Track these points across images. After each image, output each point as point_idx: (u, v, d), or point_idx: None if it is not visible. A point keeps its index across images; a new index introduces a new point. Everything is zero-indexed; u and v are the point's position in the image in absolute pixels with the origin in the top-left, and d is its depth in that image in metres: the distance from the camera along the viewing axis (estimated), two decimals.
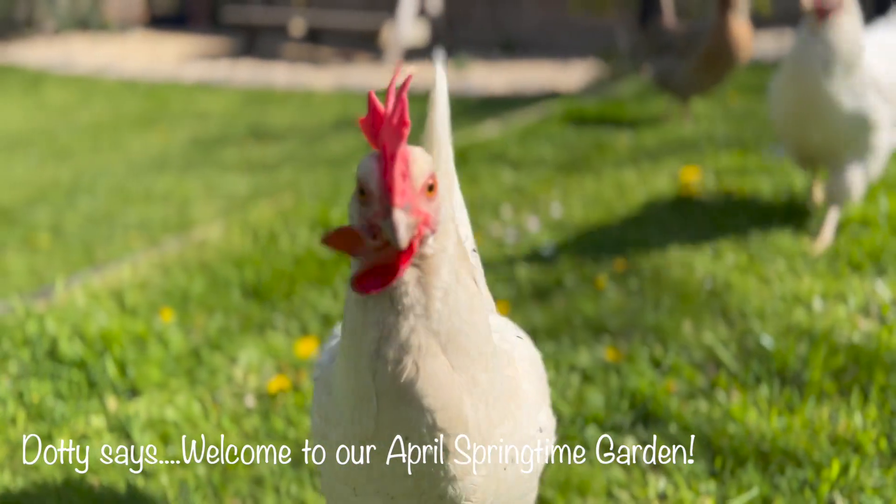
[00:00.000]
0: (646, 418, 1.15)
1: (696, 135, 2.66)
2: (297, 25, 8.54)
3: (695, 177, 2.10)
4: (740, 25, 2.81)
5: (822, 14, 1.52)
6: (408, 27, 7.94)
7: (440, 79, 0.80)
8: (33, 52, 8.29)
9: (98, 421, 1.25)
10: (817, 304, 1.40)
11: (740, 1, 2.82)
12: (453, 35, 8.80)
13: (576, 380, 1.26)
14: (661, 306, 1.46)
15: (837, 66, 1.52)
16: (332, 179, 3.01)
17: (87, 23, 9.77)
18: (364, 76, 7.49)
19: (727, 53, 2.83)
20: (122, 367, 1.37)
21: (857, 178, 1.57)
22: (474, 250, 0.82)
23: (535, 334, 1.42)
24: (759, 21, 6.19)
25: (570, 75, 6.32)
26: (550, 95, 5.93)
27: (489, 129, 3.08)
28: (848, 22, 1.53)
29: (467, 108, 5.99)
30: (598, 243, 1.77)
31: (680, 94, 2.98)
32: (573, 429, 1.14)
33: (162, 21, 11.40)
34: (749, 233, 1.72)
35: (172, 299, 1.65)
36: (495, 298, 1.59)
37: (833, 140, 1.56)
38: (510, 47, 8.45)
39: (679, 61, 2.97)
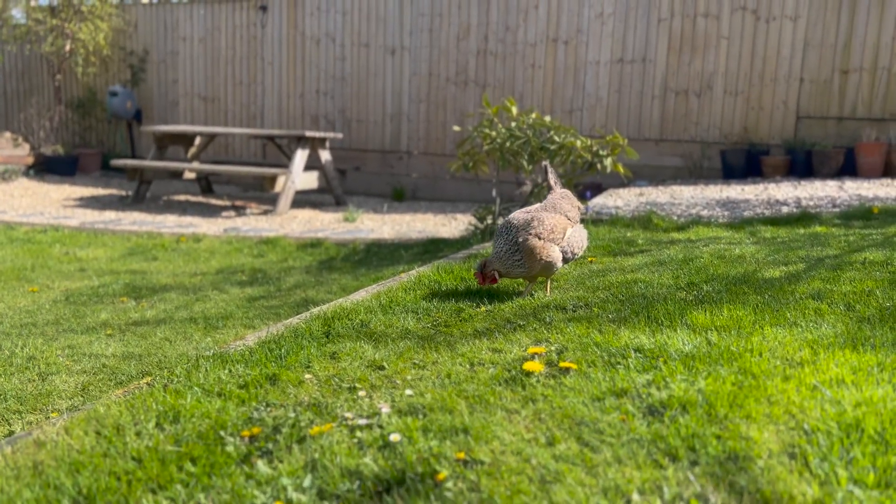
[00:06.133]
0: None
1: (549, 302, 2.83)
2: (190, 174, 8.63)
3: (539, 353, 2.22)
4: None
5: None
6: (300, 175, 8.17)
7: None
8: None
9: None
10: (636, 497, 1.49)
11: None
12: (344, 183, 9.09)
13: None
14: (495, 502, 1.50)
15: None
16: (197, 352, 2.96)
17: None
18: (255, 222, 7.57)
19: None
20: None
21: None
22: None
23: None
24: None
25: (453, 225, 6.62)
26: (433, 241, 6.16)
27: (358, 296, 3.16)
28: None
29: (353, 252, 6.10)
30: (443, 429, 1.82)
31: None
32: None
33: (51, 166, 11.27)
34: (582, 416, 1.82)
35: None
36: (337, 497, 1.60)
37: None
38: (400, 196, 8.79)
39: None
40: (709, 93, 8.89)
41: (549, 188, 3.27)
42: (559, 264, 2.93)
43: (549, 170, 3.29)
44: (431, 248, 5.85)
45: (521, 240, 2.84)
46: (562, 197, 3.09)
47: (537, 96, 9.45)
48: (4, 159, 10.30)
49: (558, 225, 2.90)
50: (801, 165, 8.25)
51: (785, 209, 5.96)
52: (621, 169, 5.22)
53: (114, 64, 11.64)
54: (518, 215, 2.96)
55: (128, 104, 11.07)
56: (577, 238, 3.02)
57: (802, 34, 8.44)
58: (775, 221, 5.25)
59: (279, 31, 10.51)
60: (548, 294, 3.00)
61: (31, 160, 10.71)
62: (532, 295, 2.99)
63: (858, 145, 8.06)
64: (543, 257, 2.84)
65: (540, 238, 2.84)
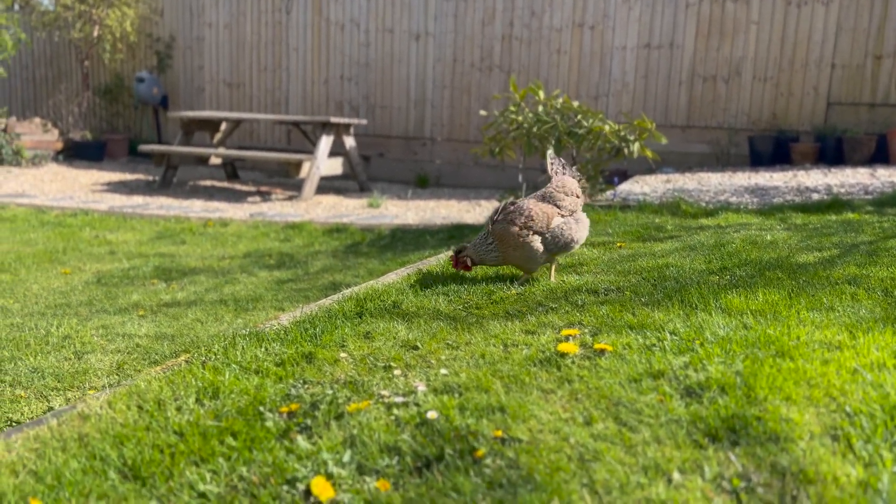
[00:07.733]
0: None
1: (581, 286, 2.82)
2: (216, 160, 8.69)
3: (573, 335, 2.22)
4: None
5: None
6: (324, 161, 8.20)
7: None
8: None
9: None
10: (677, 476, 1.48)
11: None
12: (368, 170, 9.10)
13: None
14: (534, 480, 1.51)
15: None
16: (233, 331, 3.00)
17: None
18: (280, 208, 7.61)
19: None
20: None
21: None
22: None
23: None
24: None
25: (477, 211, 6.60)
26: (458, 227, 6.16)
27: (388, 279, 3.17)
28: None
29: (378, 237, 6.11)
30: (480, 408, 1.83)
31: None
32: None
33: (79, 152, 11.41)
34: (619, 397, 1.82)
35: (43, 483, 1.59)
36: (377, 472, 1.62)
37: None
38: (423, 182, 8.78)
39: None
40: (737, 78, 8.77)
41: (549, 179, 3.26)
42: (539, 248, 2.87)
43: (549, 159, 3.27)
44: (456, 234, 5.85)
45: (491, 226, 2.90)
46: (557, 188, 3.04)
47: (563, 82, 9.38)
48: (34, 144, 10.45)
49: (539, 213, 2.87)
50: (832, 152, 8.12)
51: (815, 196, 5.88)
52: (649, 153, 5.18)
53: (140, 50, 11.73)
54: (504, 204, 3.01)
55: (154, 90, 11.16)
56: (568, 228, 2.94)
57: (835, 19, 8.28)
58: (806, 208, 5.18)
59: (304, 16, 10.52)
60: (552, 280, 2.97)
61: (59, 145, 10.85)
62: (551, 280, 2.99)
63: (891, 132, 7.92)
64: (520, 243, 2.84)
65: (514, 225, 2.84)
